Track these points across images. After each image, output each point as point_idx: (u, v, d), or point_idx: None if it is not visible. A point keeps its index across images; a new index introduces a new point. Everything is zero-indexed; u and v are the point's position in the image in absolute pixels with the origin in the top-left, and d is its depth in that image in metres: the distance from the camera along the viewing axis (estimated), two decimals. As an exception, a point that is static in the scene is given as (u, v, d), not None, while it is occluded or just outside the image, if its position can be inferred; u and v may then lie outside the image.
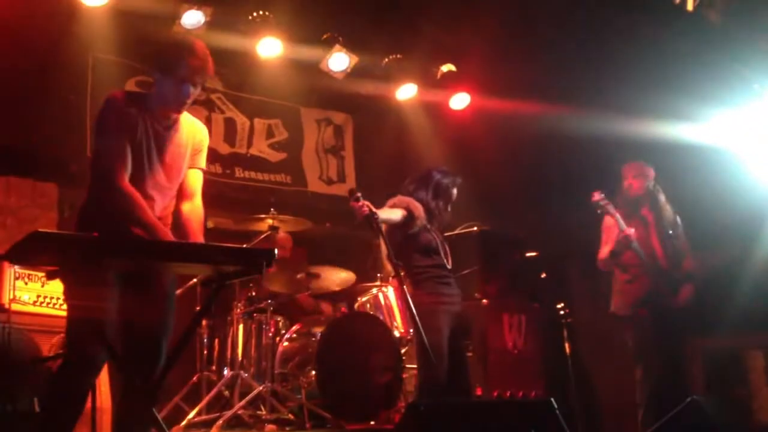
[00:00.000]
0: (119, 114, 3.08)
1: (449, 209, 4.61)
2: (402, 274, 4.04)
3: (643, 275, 5.06)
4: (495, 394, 5.81)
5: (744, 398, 5.81)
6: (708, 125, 5.87)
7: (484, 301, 6.29)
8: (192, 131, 3.32)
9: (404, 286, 3.94)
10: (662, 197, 5.20)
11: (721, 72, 5.67)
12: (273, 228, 5.46)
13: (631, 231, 4.95)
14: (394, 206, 4.34)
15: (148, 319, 3.05)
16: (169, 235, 3.08)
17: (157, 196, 3.18)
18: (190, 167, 3.32)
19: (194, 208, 3.30)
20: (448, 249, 4.55)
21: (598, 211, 5.12)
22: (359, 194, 4.03)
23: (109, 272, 2.96)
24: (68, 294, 2.96)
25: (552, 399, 3.32)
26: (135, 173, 3.09)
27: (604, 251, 5.16)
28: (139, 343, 3.03)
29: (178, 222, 3.27)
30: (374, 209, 4.01)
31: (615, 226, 5.07)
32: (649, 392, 4.91)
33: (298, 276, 5.49)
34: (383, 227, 4.03)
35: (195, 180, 3.34)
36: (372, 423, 4.96)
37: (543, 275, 6.66)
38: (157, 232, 3.00)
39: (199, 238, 3.21)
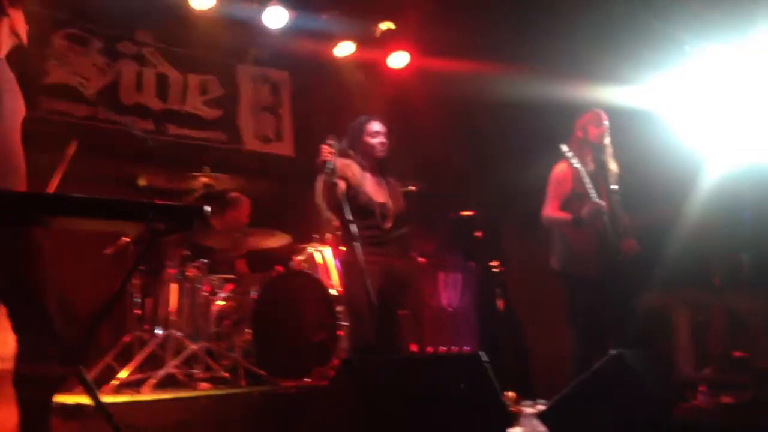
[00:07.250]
0: None
1: (377, 146, 4.55)
2: (338, 233, 4.05)
3: (591, 232, 4.88)
4: (430, 350, 5.91)
5: (667, 352, 6.02)
6: (639, 87, 5.96)
7: (421, 259, 6.36)
8: None
9: (354, 243, 3.96)
10: (610, 150, 5.08)
11: (652, 33, 5.75)
12: (207, 186, 5.37)
13: (604, 204, 4.80)
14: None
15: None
16: None
17: None
18: None
19: None
20: (391, 205, 4.52)
21: (566, 161, 4.88)
22: (334, 143, 4.15)
23: None
24: None
25: (481, 352, 3.39)
26: None
27: (552, 206, 5.00)
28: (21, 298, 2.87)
29: None
30: (334, 162, 4.08)
31: (567, 181, 4.94)
32: (583, 347, 4.90)
33: (234, 234, 5.45)
34: (334, 180, 4.07)
35: None
36: (307, 380, 5.00)
37: (478, 234, 6.74)
38: None
39: None
